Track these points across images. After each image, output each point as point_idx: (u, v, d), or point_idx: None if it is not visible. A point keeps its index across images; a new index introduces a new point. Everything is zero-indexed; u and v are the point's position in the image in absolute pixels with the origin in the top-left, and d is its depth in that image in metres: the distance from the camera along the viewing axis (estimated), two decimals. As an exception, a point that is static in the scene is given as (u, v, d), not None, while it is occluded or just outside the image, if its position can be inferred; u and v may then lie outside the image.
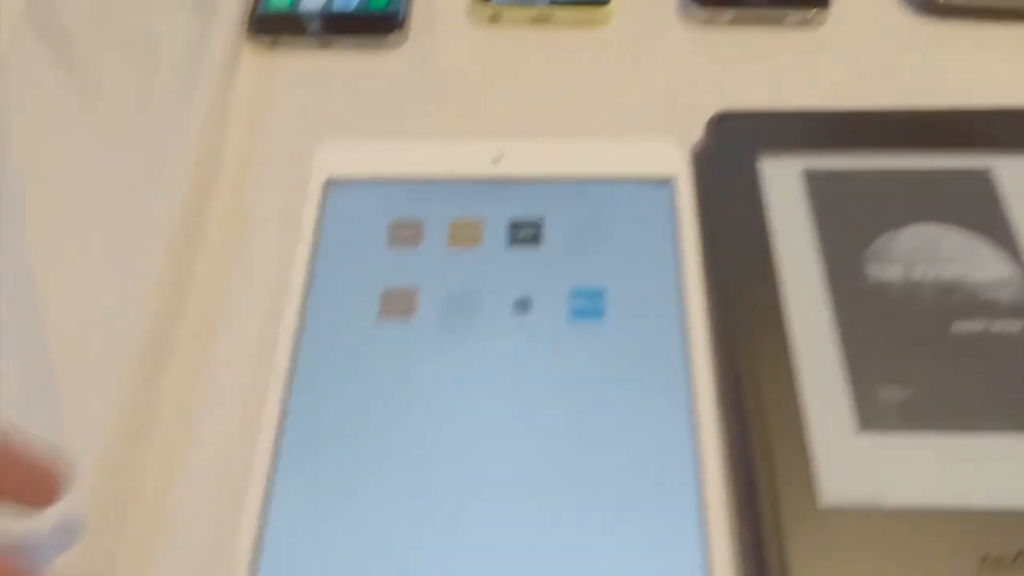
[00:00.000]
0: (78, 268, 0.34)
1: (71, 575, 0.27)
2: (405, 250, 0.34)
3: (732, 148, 0.35)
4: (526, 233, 0.34)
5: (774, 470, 0.28)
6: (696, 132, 0.37)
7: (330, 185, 0.35)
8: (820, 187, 0.34)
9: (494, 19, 0.42)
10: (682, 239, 0.33)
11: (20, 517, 0.25)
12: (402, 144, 0.36)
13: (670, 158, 0.35)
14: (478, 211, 0.35)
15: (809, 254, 0.32)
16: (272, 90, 0.40)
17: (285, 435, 0.30)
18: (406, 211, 0.35)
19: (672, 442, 0.29)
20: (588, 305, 0.33)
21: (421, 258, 0.34)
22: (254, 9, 0.42)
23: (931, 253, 0.32)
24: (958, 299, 0.31)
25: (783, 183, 0.34)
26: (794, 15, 0.41)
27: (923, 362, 0.30)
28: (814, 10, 0.41)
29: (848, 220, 0.33)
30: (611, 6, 0.41)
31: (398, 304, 0.33)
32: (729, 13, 0.41)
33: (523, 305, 0.33)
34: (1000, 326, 0.31)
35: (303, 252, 0.34)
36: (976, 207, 0.33)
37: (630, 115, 0.39)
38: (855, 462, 0.28)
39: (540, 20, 0.42)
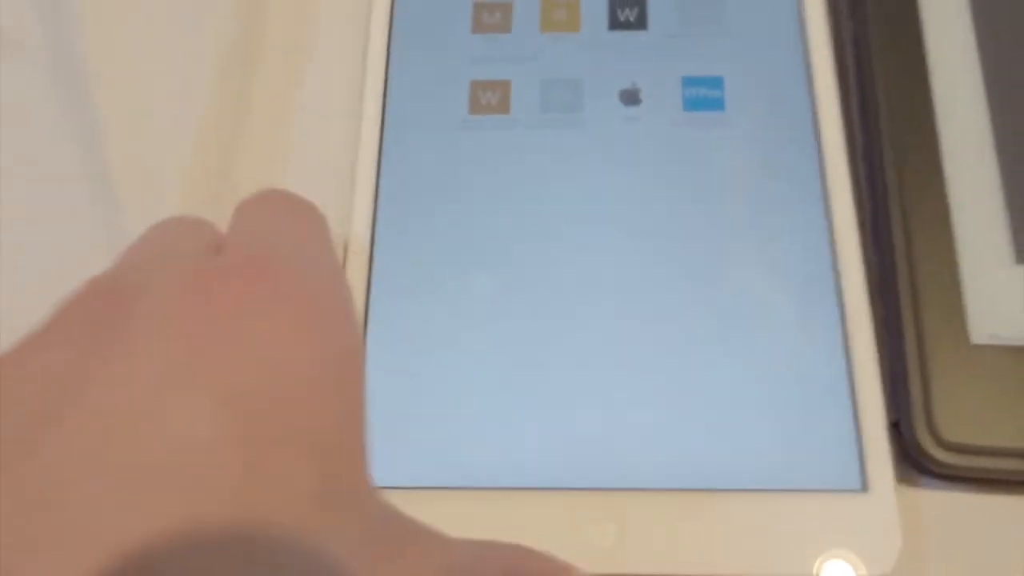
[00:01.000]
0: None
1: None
2: (493, 36, 0.29)
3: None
4: (628, 14, 0.30)
5: (921, 301, 0.24)
6: None
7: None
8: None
9: None
10: (808, 20, 0.29)
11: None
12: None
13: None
14: (574, -12, 0.30)
15: (967, 49, 0.27)
16: None
17: (372, 260, 0.27)
18: (491, -10, 0.30)
19: (808, 257, 0.26)
20: (706, 95, 0.28)
21: (511, 45, 0.29)
22: None
23: None
24: None
25: None
26: None
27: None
28: None
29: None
30: None
31: (488, 97, 0.29)
32: None
33: (630, 97, 0.28)
34: None
35: (378, 37, 0.29)
36: None
37: None
38: (1011, 297, 0.24)
39: None
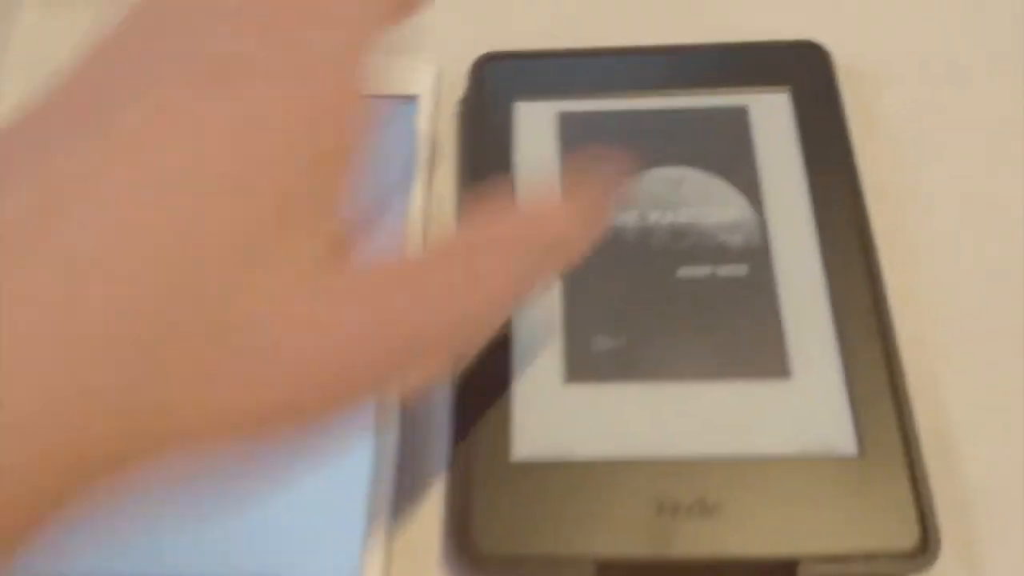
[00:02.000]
0: None
1: None
2: None
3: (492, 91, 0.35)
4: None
5: (474, 427, 0.28)
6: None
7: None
8: (572, 129, 0.34)
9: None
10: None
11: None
12: None
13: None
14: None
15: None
16: None
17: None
18: None
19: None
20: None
21: None
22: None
23: (670, 197, 0.33)
24: (688, 244, 0.32)
25: (537, 124, 0.35)
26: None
27: (640, 310, 0.31)
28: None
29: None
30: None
31: None
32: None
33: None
34: (726, 270, 0.31)
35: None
36: (727, 147, 0.34)
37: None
38: (555, 415, 0.29)
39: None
